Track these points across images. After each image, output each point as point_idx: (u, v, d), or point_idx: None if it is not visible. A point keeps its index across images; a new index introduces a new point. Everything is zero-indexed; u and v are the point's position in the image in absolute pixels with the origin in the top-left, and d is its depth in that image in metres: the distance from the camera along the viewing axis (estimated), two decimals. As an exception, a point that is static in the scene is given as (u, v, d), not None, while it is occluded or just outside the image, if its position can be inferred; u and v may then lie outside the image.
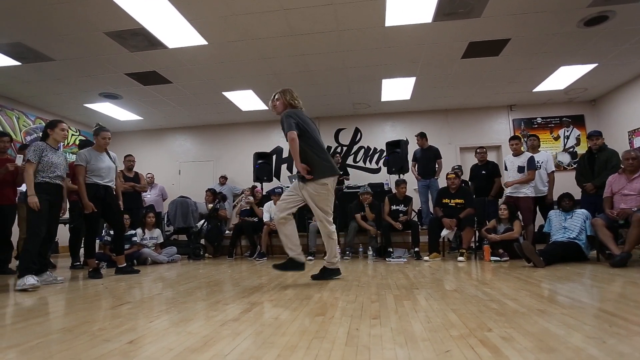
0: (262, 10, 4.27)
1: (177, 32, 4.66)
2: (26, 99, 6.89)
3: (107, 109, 7.53)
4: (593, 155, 4.80)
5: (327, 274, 3.30)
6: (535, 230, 4.99)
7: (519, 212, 4.85)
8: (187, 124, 9.02)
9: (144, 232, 5.41)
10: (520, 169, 4.93)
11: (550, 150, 7.50)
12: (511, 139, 5.23)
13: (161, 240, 5.64)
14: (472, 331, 1.60)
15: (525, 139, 5.66)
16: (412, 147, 7.26)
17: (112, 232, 4.37)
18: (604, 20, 4.63)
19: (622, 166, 4.19)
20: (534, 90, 7.15)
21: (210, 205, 6.64)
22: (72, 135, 8.16)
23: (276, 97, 3.26)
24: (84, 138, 7.95)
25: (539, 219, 5.17)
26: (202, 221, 6.47)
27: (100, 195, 3.96)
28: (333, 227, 3.27)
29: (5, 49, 4.97)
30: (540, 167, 5.13)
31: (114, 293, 2.88)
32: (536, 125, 8.00)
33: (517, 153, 5.07)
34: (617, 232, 4.00)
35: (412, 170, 6.64)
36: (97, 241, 5.38)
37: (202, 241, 6.42)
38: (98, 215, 3.96)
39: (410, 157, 6.64)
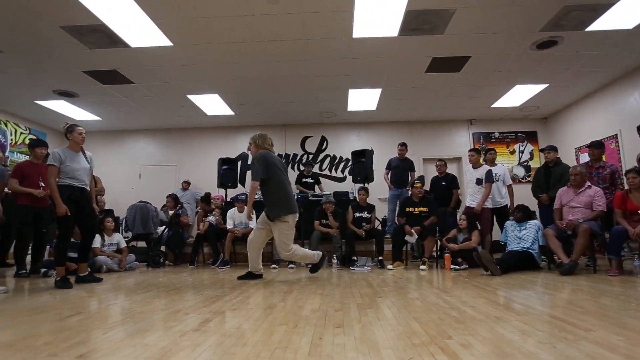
0: (230, 15, 4.22)
1: (140, 31, 4.49)
2: (-30, 93, 6.39)
3: (61, 107, 7.11)
4: (549, 169, 5.11)
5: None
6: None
7: (477, 222, 5.05)
8: (149, 127, 8.70)
9: (103, 238, 5.12)
10: (479, 181, 5.16)
11: (506, 164, 7.89)
12: (469, 150, 5.48)
13: (123, 245, 5.34)
14: (432, 339, 1.63)
15: (484, 152, 5.94)
16: (379, 157, 7.41)
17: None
18: (553, 44, 4.96)
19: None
20: (492, 106, 7.52)
21: (172, 212, 6.42)
22: (22, 133, 7.65)
23: (250, 142, 4.03)
24: (34, 137, 7.47)
25: (496, 230, 5.40)
26: (163, 227, 6.24)
27: (76, 197, 3.69)
28: (290, 251, 3.88)
29: (-53, 39, 4.59)
30: (498, 180, 5.38)
31: (64, 304, 2.70)
32: (494, 140, 8.40)
33: (475, 165, 5.30)
34: (567, 242, 4.24)
35: (384, 178, 6.76)
36: (47, 247, 5.07)
37: (163, 248, 6.19)
38: (72, 219, 3.67)
39: (375, 165, 6.75)
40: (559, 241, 4.14)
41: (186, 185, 7.79)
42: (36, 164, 4.64)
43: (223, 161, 7.27)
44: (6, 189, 4.72)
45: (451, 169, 7.35)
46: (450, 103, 7.39)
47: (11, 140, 7.37)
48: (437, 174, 6.20)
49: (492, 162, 5.64)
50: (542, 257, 4.52)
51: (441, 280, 3.75)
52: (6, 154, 7.06)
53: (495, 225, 5.41)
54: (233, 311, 2.34)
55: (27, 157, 5.73)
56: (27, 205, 4.43)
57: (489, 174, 5.12)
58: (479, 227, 4.99)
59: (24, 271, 4.52)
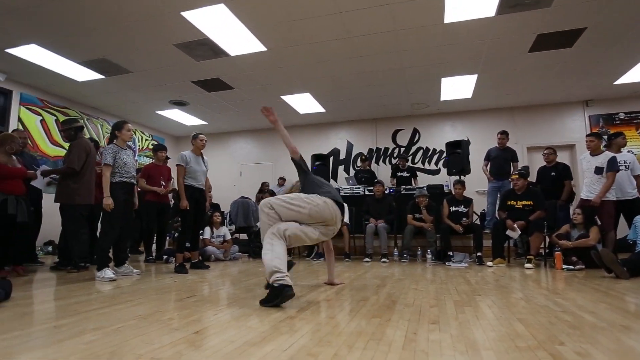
0: (319, 15, 4.34)
1: (238, 40, 4.88)
2: (108, 108, 7.64)
3: (175, 115, 8.10)
4: None
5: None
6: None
7: (596, 217, 4.42)
8: (247, 128, 9.41)
9: (211, 230, 5.74)
10: (598, 170, 4.50)
11: (635, 150, 6.74)
12: (587, 135, 4.80)
13: (228, 237, 5.91)
14: (541, 343, 1.49)
15: (607, 137, 5.14)
16: (477, 147, 6.96)
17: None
18: (702, 0, 4.07)
19: None
20: (616, 82, 6.47)
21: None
22: (146, 140, 8.88)
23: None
24: (156, 142, 8.61)
25: (623, 226, 4.67)
26: (262, 221, 6.69)
27: (196, 196, 4.29)
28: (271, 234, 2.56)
29: (93, 65, 5.57)
30: (628, 168, 4.65)
31: (181, 286, 3.09)
32: (618, 122, 7.23)
33: (594, 152, 4.63)
34: None
35: (483, 170, 6.35)
36: (167, 237, 5.83)
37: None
38: (192, 214, 4.26)
39: (472, 157, 6.34)
40: None
41: (282, 181, 8.24)
42: (158, 165, 5.38)
43: (316, 157, 7.51)
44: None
45: (563, 157, 6.56)
46: (560, 84, 6.56)
47: (139, 146, 8.62)
48: (544, 163, 5.57)
49: (618, 149, 4.87)
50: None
51: (551, 281, 3.38)
52: (135, 157, 8.29)
53: (623, 222, 4.67)
54: (327, 302, 2.42)
55: (151, 160, 6.64)
56: (152, 201, 5.16)
57: (612, 161, 4.43)
58: (599, 223, 4.37)
59: (151, 257, 5.30)
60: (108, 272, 3.46)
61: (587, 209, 4.41)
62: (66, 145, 6.30)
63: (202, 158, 4.46)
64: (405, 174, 7.14)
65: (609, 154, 4.54)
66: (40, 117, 6.48)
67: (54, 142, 6.66)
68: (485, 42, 5.02)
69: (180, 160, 4.22)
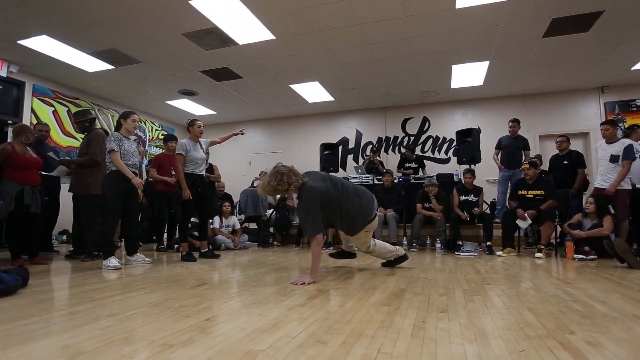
0: (327, 1, 4.28)
1: (246, 29, 4.85)
2: (118, 98, 7.69)
3: (185, 105, 8.13)
4: None
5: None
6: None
7: (610, 207, 4.35)
8: (256, 117, 9.41)
9: (221, 220, 5.80)
10: (613, 159, 4.40)
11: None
12: (602, 123, 4.70)
13: (238, 226, 5.98)
14: (550, 332, 1.49)
15: (622, 124, 5.02)
16: (489, 136, 6.87)
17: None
18: None
19: None
20: (633, 68, 6.29)
21: (279, 196, 6.88)
22: (156, 130, 8.94)
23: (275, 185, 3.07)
24: (166, 132, 8.67)
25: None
26: (271, 210, 6.74)
27: (197, 184, 4.26)
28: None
29: (103, 56, 5.59)
30: None
31: (192, 275, 3.14)
32: (635, 109, 7.04)
33: (610, 140, 4.53)
34: None
35: (494, 159, 6.29)
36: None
37: (271, 229, 6.70)
38: (193, 202, 4.23)
39: (482, 145, 6.26)
40: None
41: (291, 171, 8.24)
42: (168, 155, 5.42)
43: (325, 146, 7.49)
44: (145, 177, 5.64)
45: (576, 145, 6.44)
46: (574, 70, 6.40)
47: (149, 136, 8.69)
48: (556, 152, 5.48)
49: (637, 139, 4.77)
50: None
51: (562, 270, 3.35)
52: (145, 147, 8.37)
53: None
54: (337, 290, 2.44)
55: (161, 150, 6.69)
56: (162, 191, 5.22)
57: (628, 149, 4.32)
58: (612, 212, 4.30)
59: (162, 246, 5.38)
60: (113, 261, 3.50)
61: (601, 198, 4.34)
62: (78, 135, 6.41)
63: (200, 144, 4.36)
64: (413, 165, 7.10)
65: (625, 141, 4.42)
66: (53, 108, 6.56)
67: (66, 133, 6.75)
68: (498, 28, 4.91)
69: (180, 149, 4.16)
